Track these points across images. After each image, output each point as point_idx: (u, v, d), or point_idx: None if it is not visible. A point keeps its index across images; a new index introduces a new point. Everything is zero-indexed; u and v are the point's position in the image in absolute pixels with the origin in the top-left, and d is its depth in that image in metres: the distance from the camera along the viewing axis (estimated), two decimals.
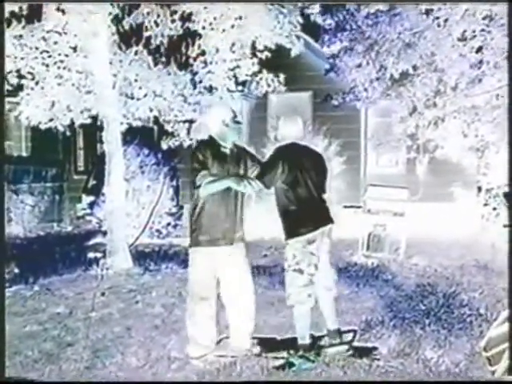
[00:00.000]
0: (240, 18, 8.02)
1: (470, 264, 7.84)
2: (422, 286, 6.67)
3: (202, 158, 4.32)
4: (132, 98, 8.58)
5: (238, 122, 4.52)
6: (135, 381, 4.14)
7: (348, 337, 4.66)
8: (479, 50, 9.35)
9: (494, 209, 10.47)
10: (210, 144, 4.42)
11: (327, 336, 4.50)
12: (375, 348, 4.49)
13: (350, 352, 4.34)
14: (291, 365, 4.22)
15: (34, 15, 7.77)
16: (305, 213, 4.33)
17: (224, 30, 8.06)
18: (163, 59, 8.75)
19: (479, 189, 11.55)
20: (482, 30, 9.12)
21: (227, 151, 4.41)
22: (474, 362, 4.21)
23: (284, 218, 4.39)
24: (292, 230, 4.33)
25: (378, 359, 4.29)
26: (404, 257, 8.37)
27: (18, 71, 7.78)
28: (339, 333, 4.51)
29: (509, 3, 7.53)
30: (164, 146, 9.24)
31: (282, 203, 4.39)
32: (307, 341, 4.39)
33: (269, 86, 8.87)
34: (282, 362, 4.27)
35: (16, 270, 7.39)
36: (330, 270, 4.52)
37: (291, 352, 4.34)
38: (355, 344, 4.58)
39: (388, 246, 8.47)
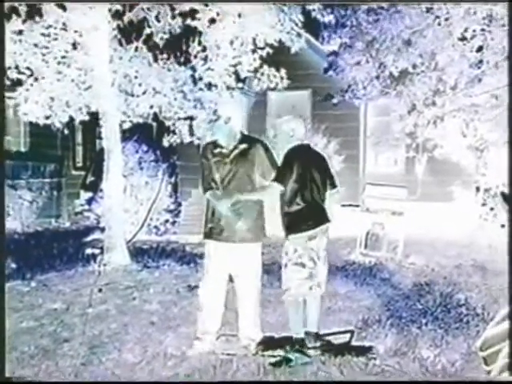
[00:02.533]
0: (240, 14, 8.01)
1: (468, 264, 7.85)
2: (419, 285, 6.68)
3: (206, 162, 4.46)
4: (132, 95, 8.56)
5: (213, 121, 4.58)
6: (132, 381, 4.13)
7: (345, 337, 4.66)
8: (479, 49, 9.34)
9: (492, 209, 10.49)
10: (211, 145, 4.54)
11: (306, 338, 4.46)
12: (372, 347, 4.49)
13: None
14: (288, 360, 4.23)
15: (34, 11, 7.74)
16: (308, 211, 4.42)
17: (225, 27, 8.05)
18: (163, 55, 8.73)
19: (477, 189, 11.57)
20: (483, 30, 9.12)
21: (224, 151, 4.43)
22: (470, 362, 4.21)
23: (287, 215, 4.45)
24: (295, 227, 4.41)
25: (375, 358, 4.29)
26: (402, 256, 8.38)
27: (16, 67, 7.76)
28: (317, 336, 4.47)
29: (509, 3, 7.53)
30: (165, 143, 9.24)
31: (288, 202, 4.44)
32: (302, 335, 4.41)
33: (270, 81, 8.86)
34: (278, 358, 4.27)
35: (13, 266, 7.39)
36: (324, 268, 4.55)
37: (287, 348, 4.35)
38: (352, 343, 4.59)
39: (386, 244, 8.48)
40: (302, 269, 4.38)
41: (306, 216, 4.41)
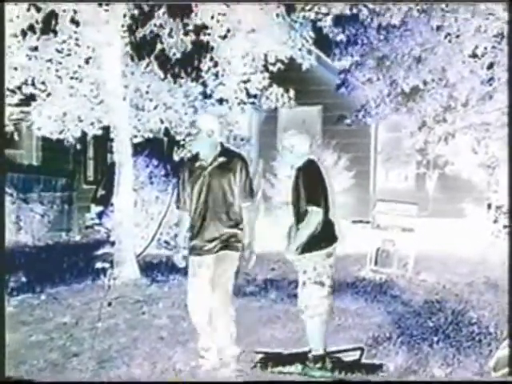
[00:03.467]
0: (252, 30, 8.08)
1: (480, 281, 7.77)
2: (431, 302, 6.61)
3: (181, 180, 4.50)
4: (143, 110, 8.63)
5: (194, 134, 4.50)
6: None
7: (355, 355, 4.61)
8: (490, 66, 9.35)
9: (505, 226, 10.38)
10: (191, 161, 4.54)
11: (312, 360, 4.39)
12: (382, 365, 4.44)
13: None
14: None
15: (48, 27, 7.86)
16: (326, 228, 4.36)
17: (236, 43, 8.12)
18: (175, 71, 8.81)
19: (489, 205, 11.48)
20: (493, 47, 9.12)
21: (203, 163, 4.39)
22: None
23: None
24: (315, 244, 4.32)
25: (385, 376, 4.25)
26: (412, 273, 8.31)
27: (31, 82, 7.86)
28: (324, 357, 4.39)
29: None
30: (176, 157, 9.28)
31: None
32: (322, 352, 4.36)
33: (278, 101, 8.92)
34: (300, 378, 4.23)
35: (23, 279, 7.41)
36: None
37: (310, 365, 4.31)
38: (362, 361, 4.55)
39: (396, 261, 8.42)
40: (321, 287, 4.31)
41: (324, 233, 4.34)
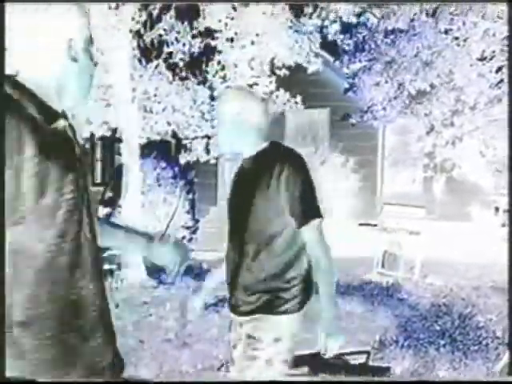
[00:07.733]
0: (259, 35, 8.12)
1: (487, 285, 7.74)
2: (437, 306, 6.60)
3: None
4: (151, 112, 8.68)
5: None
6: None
7: (362, 358, 4.60)
8: (499, 69, 9.32)
9: None
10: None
11: None
12: (389, 368, 4.44)
13: None
14: None
15: None
16: None
17: (243, 47, 8.16)
18: (183, 74, 8.85)
19: (497, 209, 11.44)
20: (502, 50, 9.10)
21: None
22: None
23: None
24: None
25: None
26: (419, 276, 8.30)
27: None
28: None
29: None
30: (182, 160, 9.33)
31: None
32: None
33: (284, 104, 8.95)
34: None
35: None
36: None
37: None
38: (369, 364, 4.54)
39: (403, 264, 8.41)
40: None
41: None
